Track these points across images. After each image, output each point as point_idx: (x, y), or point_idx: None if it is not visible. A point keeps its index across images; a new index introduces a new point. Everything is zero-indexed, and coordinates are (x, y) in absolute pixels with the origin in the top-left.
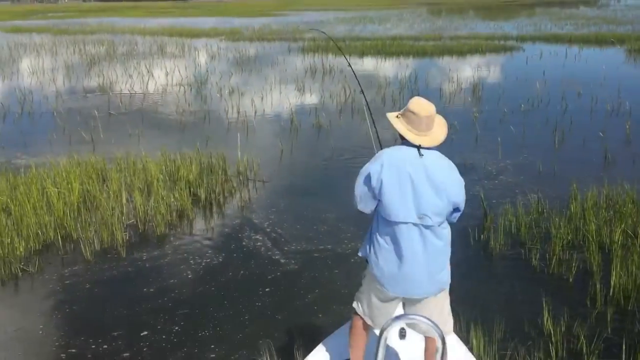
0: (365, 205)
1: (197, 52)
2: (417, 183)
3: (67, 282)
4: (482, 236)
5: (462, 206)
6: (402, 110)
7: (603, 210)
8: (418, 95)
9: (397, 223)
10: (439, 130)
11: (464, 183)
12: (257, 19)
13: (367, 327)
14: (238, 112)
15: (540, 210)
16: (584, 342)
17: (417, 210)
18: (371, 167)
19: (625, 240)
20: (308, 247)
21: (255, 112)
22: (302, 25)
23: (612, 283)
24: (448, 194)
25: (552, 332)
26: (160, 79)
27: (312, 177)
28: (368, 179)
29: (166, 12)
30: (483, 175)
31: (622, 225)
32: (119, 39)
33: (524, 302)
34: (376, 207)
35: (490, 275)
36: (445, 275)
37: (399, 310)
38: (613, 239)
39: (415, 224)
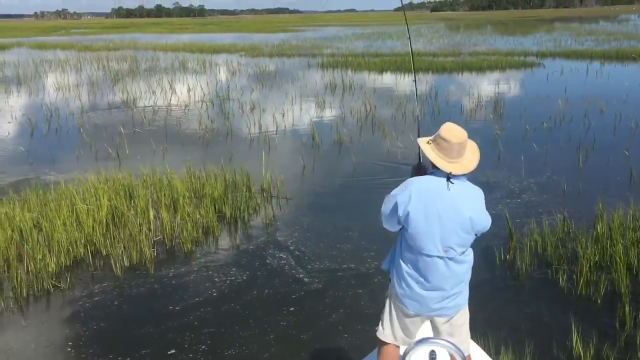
0: (390, 227)
1: (218, 68)
2: (444, 218)
3: (97, 298)
4: (507, 256)
5: (480, 233)
6: (433, 136)
7: (630, 231)
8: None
9: (421, 253)
10: (471, 156)
11: (487, 217)
12: (275, 35)
13: (395, 353)
14: (260, 128)
15: (566, 230)
16: None
17: (442, 244)
18: (399, 197)
19: None
20: (332, 266)
21: (277, 128)
22: (320, 41)
23: None
24: (474, 226)
25: (581, 355)
26: (183, 94)
27: (334, 194)
28: (395, 208)
29: (186, 29)
30: (507, 193)
31: None
32: (141, 55)
33: (552, 324)
34: (401, 229)
35: (517, 296)
36: (464, 296)
37: (423, 328)
38: None
39: (440, 257)
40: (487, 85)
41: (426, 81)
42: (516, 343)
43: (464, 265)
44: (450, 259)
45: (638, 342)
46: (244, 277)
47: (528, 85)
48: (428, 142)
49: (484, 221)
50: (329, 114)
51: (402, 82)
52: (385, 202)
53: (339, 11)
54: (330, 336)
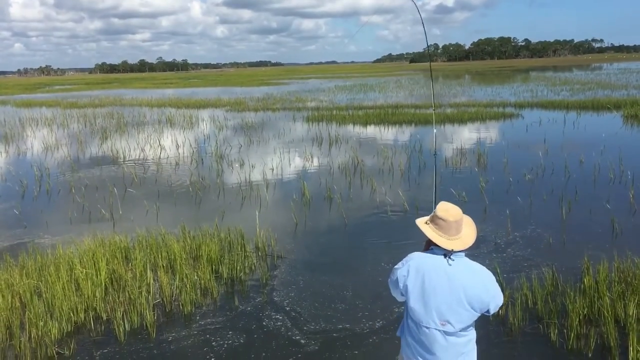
0: (396, 297)
1: (204, 123)
2: (439, 293)
3: None
4: (500, 311)
5: (493, 309)
6: (429, 217)
7: (616, 284)
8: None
9: (420, 326)
10: (469, 231)
11: (494, 284)
12: (258, 89)
13: None
14: (250, 184)
15: (554, 284)
16: None
17: (439, 318)
18: (398, 271)
19: None
20: (327, 327)
21: (267, 184)
22: (303, 94)
23: (631, 358)
24: (472, 304)
25: None
26: (172, 151)
27: (327, 251)
28: (397, 281)
29: (169, 84)
30: (495, 248)
31: (636, 299)
32: (127, 111)
33: None
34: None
35: (512, 352)
36: None
37: None
38: (628, 312)
39: (437, 329)
40: (469, 137)
41: (410, 133)
42: None
43: (464, 339)
44: (448, 333)
45: None
46: (242, 341)
47: (508, 136)
48: (426, 223)
49: (483, 298)
50: (317, 168)
51: (387, 135)
52: (390, 275)
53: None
54: None
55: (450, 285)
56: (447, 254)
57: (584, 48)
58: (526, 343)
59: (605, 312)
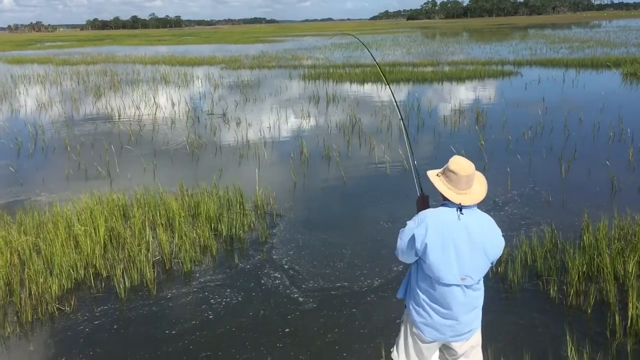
0: (406, 259)
1: (199, 81)
2: (460, 247)
3: (99, 322)
4: (499, 268)
5: (495, 261)
6: (442, 169)
7: (615, 241)
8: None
9: (439, 283)
10: (479, 187)
11: (502, 240)
12: (253, 46)
13: None
14: (248, 143)
15: (554, 241)
16: None
17: (460, 272)
18: (416, 231)
19: (639, 271)
20: (326, 285)
21: (265, 142)
22: (299, 51)
23: (630, 314)
24: (488, 254)
25: None
26: (167, 109)
27: (326, 209)
28: (412, 241)
29: (163, 40)
30: (495, 206)
31: (636, 257)
32: (120, 68)
33: (546, 334)
34: (418, 260)
35: (511, 308)
36: (478, 320)
37: (437, 352)
38: (627, 270)
39: (457, 285)
40: (467, 95)
41: (407, 91)
42: (513, 353)
43: (479, 292)
44: (467, 287)
45: (629, 350)
46: (240, 298)
47: (507, 94)
48: (437, 175)
49: (497, 248)
50: (315, 126)
51: (385, 93)
52: (401, 237)
53: (315, 20)
54: (326, 356)
55: (469, 238)
56: (458, 207)
57: (583, 5)
58: (526, 299)
59: (605, 268)
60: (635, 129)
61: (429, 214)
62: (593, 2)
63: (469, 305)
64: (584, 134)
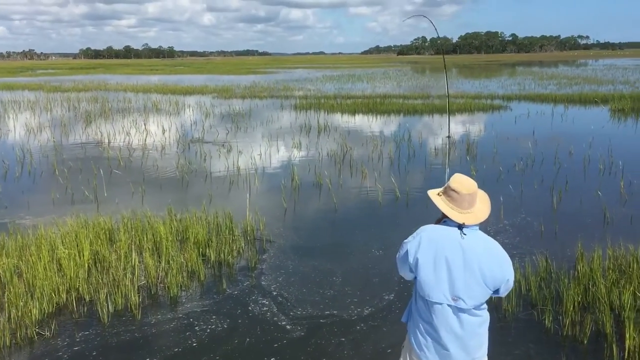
0: (404, 275)
1: (191, 109)
2: (453, 266)
3: (78, 348)
4: (494, 298)
5: (504, 289)
6: (442, 188)
7: (610, 272)
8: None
9: (431, 302)
10: (482, 206)
11: (509, 265)
12: (246, 77)
13: None
14: (239, 170)
15: (548, 270)
16: None
17: (451, 293)
18: (409, 244)
19: (635, 302)
20: (314, 313)
21: (256, 170)
22: (291, 83)
23: (627, 346)
24: (485, 278)
25: None
26: (158, 136)
27: (316, 236)
28: (406, 255)
29: (155, 70)
30: (488, 235)
31: (631, 287)
32: (112, 96)
33: None
34: (414, 278)
35: (506, 338)
36: (481, 350)
37: None
38: (623, 300)
39: (449, 305)
40: (458, 127)
41: (399, 123)
42: None
43: (478, 319)
44: (462, 311)
45: None
46: (226, 325)
47: (497, 127)
48: (439, 194)
49: (498, 273)
50: (306, 155)
51: (376, 124)
52: (399, 251)
53: (307, 53)
54: None
55: (464, 258)
56: (460, 227)
57: (569, 44)
58: (520, 329)
59: (600, 299)
60: (626, 161)
61: (427, 228)
62: (579, 41)
63: (466, 332)
64: (574, 166)
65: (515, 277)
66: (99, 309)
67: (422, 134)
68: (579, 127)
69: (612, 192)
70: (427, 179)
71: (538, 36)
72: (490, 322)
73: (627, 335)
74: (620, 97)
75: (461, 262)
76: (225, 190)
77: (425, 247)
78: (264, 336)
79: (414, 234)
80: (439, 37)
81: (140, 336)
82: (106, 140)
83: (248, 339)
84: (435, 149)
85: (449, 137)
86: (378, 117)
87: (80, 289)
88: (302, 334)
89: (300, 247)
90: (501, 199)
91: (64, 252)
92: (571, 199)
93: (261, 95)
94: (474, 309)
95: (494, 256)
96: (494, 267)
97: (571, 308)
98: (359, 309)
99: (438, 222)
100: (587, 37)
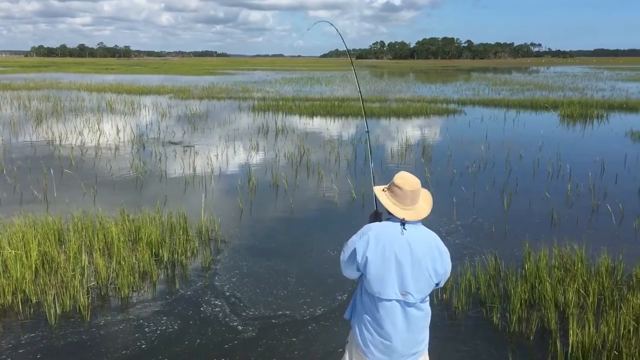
0: (349, 275)
1: (147, 110)
2: (402, 262)
3: (23, 350)
4: (444, 295)
5: (444, 281)
6: (388, 184)
7: (556, 270)
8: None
9: (380, 299)
10: (424, 204)
11: (449, 258)
12: (204, 78)
13: None
14: (194, 170)
15: (497, 269)
16: None
17: (400, 288)
18: (357, 243)
19: (579, 299)
20: (267, 313)
21: (212, 170)
22: (250, 84)
23: (570, 341)
24: (430, 271)
25: None
26: (112, 136)
27: (272, 237)
28: (354, 254)
29: (111, 69)
30: (440, 235)
31: (575, 285)
32: (64, 95)
33: None
34: (360, 276)
35: (456, 335)
36: (424, 344)
37: None
38: (567, 297)
39: (397, 300)
40: (414, 131)
41: (356, 125)
42: None
43: (422, 313)
44: (409, 305)
45: None
46: (177, 327)
47: (452, 131)
48: (383, 190)
49: (441, 266)
50: (264, 156)
51: (333, 126)
52: (344, 250)
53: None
54: None
55: (412, 253)
56: (402, 222)
57: (523, 51)
58: (469, 326)
59: (546, 296)
60: (573, 165)
61: (373, 227)
62: (532, 49)
63: (412, 325)
64: (524, 169)
65: (465, 275)
66: (46, 311)
67: (379, 136)
68: (529, 131)
69: (559, 194)
70: (383, 180)
71: (493, 43)
72: (440, 320)
73: (571, 332)
74: (570, 103)
75: (409, 257)
76: (181, 191)
77: (373, 245)
78: (215, 337)
79: (359, 233)
80: (347, 49)
81: (88, 338)
82: (58, 140)
83: (198, 340)
84: (392, 150)
85: (367, 131)
86: (336, 119)
87: (26, 290)
88: (254, 334)
89: (256, 248)
90: (454, 200)
91: (10, 252)
92: (521, 201)
93: (219, 96)
94: (420, 302)
95: (437, 250)
96: (437, 260)
97: (518, 305)
98: (311, 309)
99: (372, 217)
100: (540, 45)
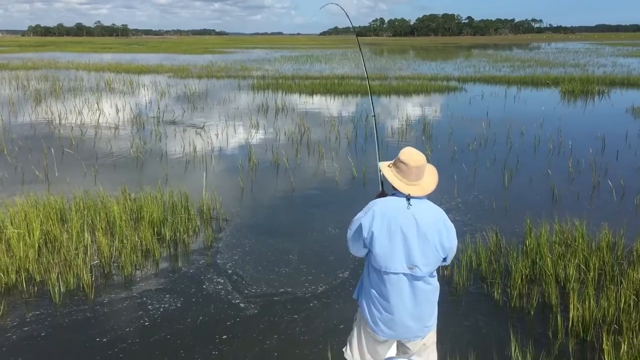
0: (356, 252)
1: (146, 89)
2: (408, 235)
3: (28, 328)
4: (446, 272)
5: (450, 256)
6: (393, 160)
7: (556, 245)
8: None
9: (387, 273)
10: (429, 179)
11: (454, 233)
12: (202, 56)
13: None
14: (195, 149)
15: (498, 245)
16: None
17: (408, 262)
18: (363, 219)
19: (579, 275)
20: (268, 291)
21: (213, 149)
22: (249, 63)
23: (571, 316)
24: (437, 245)
25: None
26: (111, 115)
27: (273, 215)
28: (359, 230)
29: (109, 48)
30: None
31: (575, 260)
32: (63, 74)
33: (491, 335)
34: (367, 253)
35: (457, 310)
36: (432, 319)
37: (391, 352)
38: (568, 273)
39: (405, 274)
40: (414, 108)
41: (356, 103)
42: (458, 355)
43: (430, 287)
44: (415, 278)
45: (570, 350)
46: (179, 304)
47: (453, 108)
48: (389, 166)
49: (448, 239)
50: (264, 135)
51: (333, 104)
52: (350, 227)
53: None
54: None
55: (418, 227)
56: (407, 198)
57: (523, 27)
58: (470, 302)
59: (547, 271)
60: (574, 141)
61: (377, 202)
62: (533, 25)
63: (419, 299)
64: (525, 146)
65: (466, 252)
66: (50, 289)
67: (380, 114)
68: (530, 108)
69: (560, 171)
70: (384, 158)
71: (493, 19)
72: (441, 296)
73: (571, 306)
74: (571, 79)
75: (415, 231)
76: (181, 170)
77: (379, 220)
78: (217, 314)
79: (365, 209)
80: (352, 26)
81: (92, 316)
82: (57, 120)
83: (201, 318)
84: (392, 128)
85: (374, 116)
86: (336, 97)
87: (30, 269)
88: (255, 311)
89: (257, 226)
90: (455, 177)
91: (13, 232)
92: (522, 177)
93: (218, 75)
94: (428, 276)
95: (443, 224)
96: (443, 234)
97: (519, 281)
98: (313, 287)
99: (379, 196)
100: (541, 20)
